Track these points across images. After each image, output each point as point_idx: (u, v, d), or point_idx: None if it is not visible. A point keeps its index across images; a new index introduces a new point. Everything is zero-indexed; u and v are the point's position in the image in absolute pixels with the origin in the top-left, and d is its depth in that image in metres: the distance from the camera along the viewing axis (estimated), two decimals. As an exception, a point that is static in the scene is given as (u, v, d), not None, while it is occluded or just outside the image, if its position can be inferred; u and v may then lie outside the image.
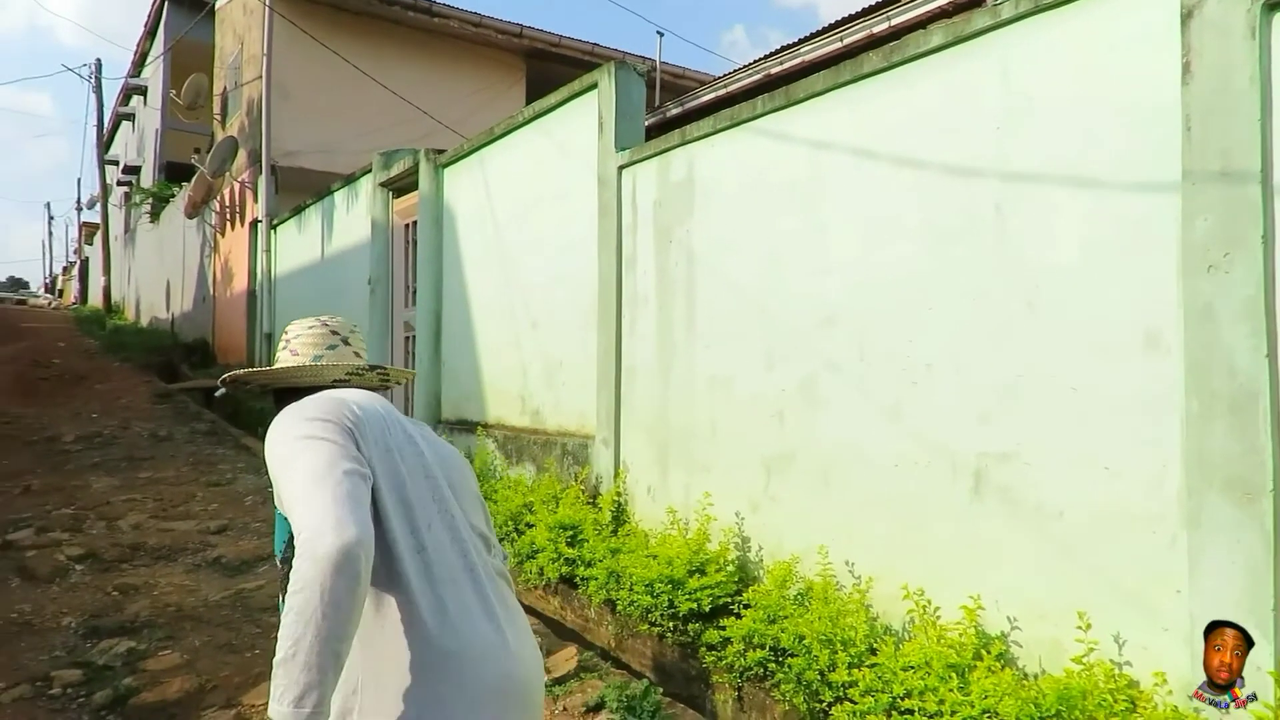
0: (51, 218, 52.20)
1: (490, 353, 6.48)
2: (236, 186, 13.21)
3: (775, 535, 3.92)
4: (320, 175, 11.08)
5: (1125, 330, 2.66)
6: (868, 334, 3.51)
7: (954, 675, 2.70)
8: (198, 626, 4.13)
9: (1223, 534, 2.37)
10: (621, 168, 5.02)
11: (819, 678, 3.01)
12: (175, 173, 18.26)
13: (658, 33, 12.79)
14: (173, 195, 18.05)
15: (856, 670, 2.91)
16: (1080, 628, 2.57)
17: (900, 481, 3.32)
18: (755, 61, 8.66)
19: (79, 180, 40.58)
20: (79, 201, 35.76)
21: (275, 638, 1.29)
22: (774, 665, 3.23)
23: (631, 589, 3.94)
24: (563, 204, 5.59)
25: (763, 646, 3.28)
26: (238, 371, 1.84)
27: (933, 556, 3.18)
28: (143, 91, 21.52)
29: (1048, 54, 2.92)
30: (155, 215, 19.96)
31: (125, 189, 23.79)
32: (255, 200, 12.26)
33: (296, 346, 1.80)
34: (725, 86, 8.61)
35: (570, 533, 4.64)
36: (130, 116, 24.21)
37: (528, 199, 6.03)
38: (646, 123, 5.55)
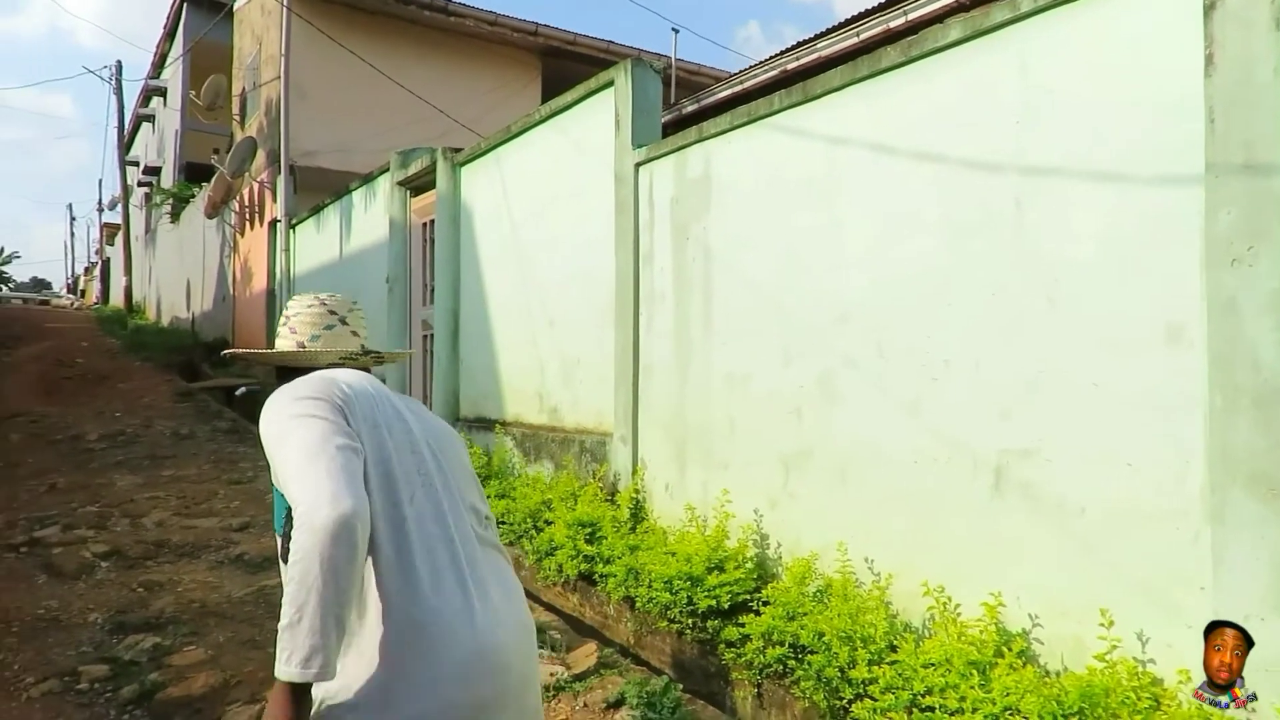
0: (73, 219, 52.86)
1: (508, 351, 6.50)
2: (255, 186, 13.32)
3: (794, 532, 3.91)
4: (338, 175, 11.16)
5: (1147, 325, 2.64)
6: (886, 330, 3.50)
7: (975, 672, 2.69)
8: (221, 623, 4.18)
9: (1247, 530, 2.35)
10: (638, 165, 5.02)
11: (839, 675, 3.01)
12: (195, 173, 18.43)
13: (673, 29, 12.74)
14: (193, 196, 18.21)
15: (877, 667, 2.91)
16: (1103, 625, 2.55)
17: (920, 478, 3.31)
18: (771, 58, 8.63)
19: (100, 181, 41.02)
20: (100, 202, 36.17)
21: None
22: (793, 662, 3.23)
23: (650, 586, 3.95)
24: (580, 201, 5.60)
25: (782, 643, 3.28)
26: (238, 350, 1.91)
27: (953, 553, 3.17)
28: (162, 93, 21.72)
29: (1067, 47, 2.90)
30: (175, 215, 20.15)
31: (146, 190, 24.06)
32: (274, 200, 12.35)
33: (296, 325, 1.85)
34: (741, 83, 8.59)
35: (589, 530, 4.66)
36: (150, 118, 24.46)
37: (544, 197, 6.05)
38: (663, 120, 5.55)
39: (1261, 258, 2.35)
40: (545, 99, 10.04)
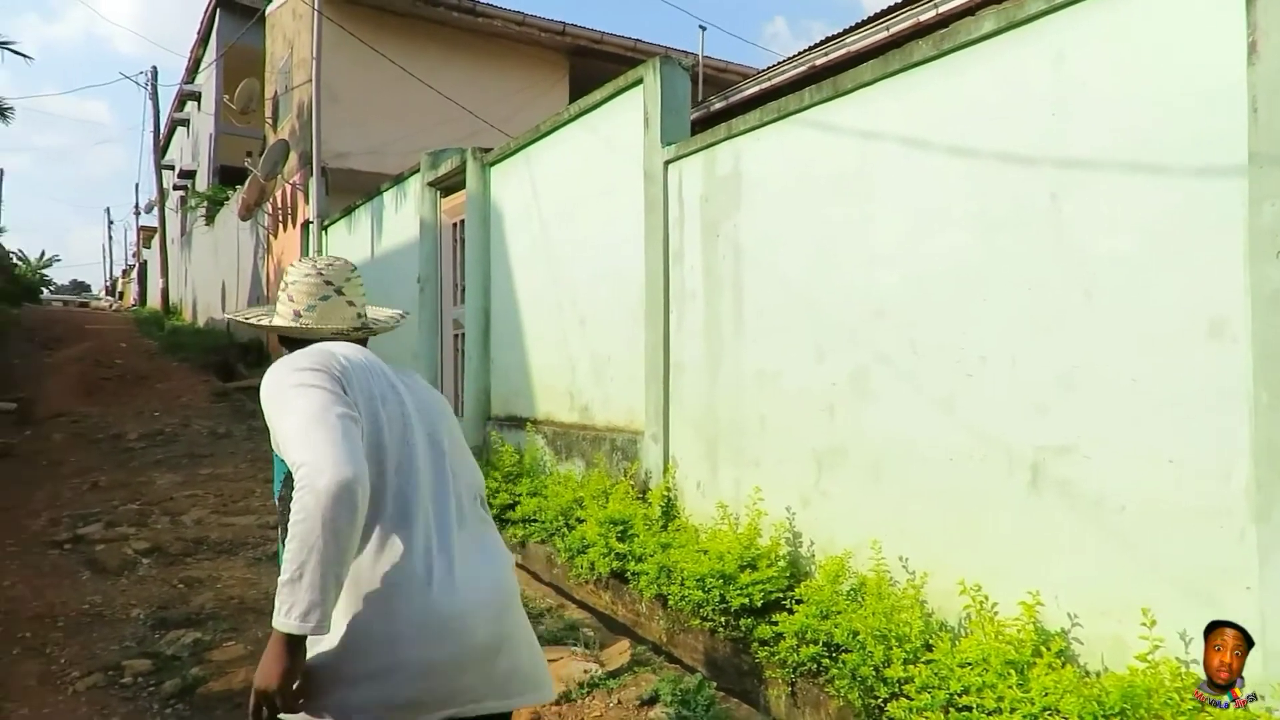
0: (111, 222, 53.76)
1: (538, 349, 6.53)
2: (288, 188, 13.49)
3: (827, 530, 3.89)
4: (369, 176, 11.26)
5: (1188, 319, 2.59)
6: (919, 326, 3.47)
7: (1013, 672, 2.66)
8: (260, 619, 4.24)
9: (1295, 528, 2.30)
10: (667, 162, 5.02)
11: (874, 674, 2.99)
12: (229, 176, 18.71)
13: (700, 27, 12.73)
14: (227, 198, 18.48)
15: (912, 666, 2.89)
16: (1144, 624, 2.51)
17: (955, 475, 3.28)
18: (800, 53, 8.58)
19: (137, 185, 41.85)
20: (137, 206, 36.85)
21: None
22: (828, 661, 3.21)
23: (683, 584, 3.95)
24: (609, 200, 5.60)
25: (816, 642, 3.27)
26: (238, 316, 1.94)
27: (989, 551, 3.13)
28: (197, 97, 22.07)
29: (1104, 37, 2.85)
30: (210, 218, 20.46)
31: (181, 193, 24.46)
32: (306, 202, 12.50)
33: (293, 293, 1.88)
34: (769, 79, 8.55)
35: (620, 528, 4.67)
36: (185, 122, 24.86)
37: (574, 195, 6.06)
38: (691, 117, 5.54)
39: (1308, 250, 2.30)
40: (573, 98, 10.06)
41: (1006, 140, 3.15)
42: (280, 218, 14.25)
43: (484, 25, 12.72)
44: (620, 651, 3.56)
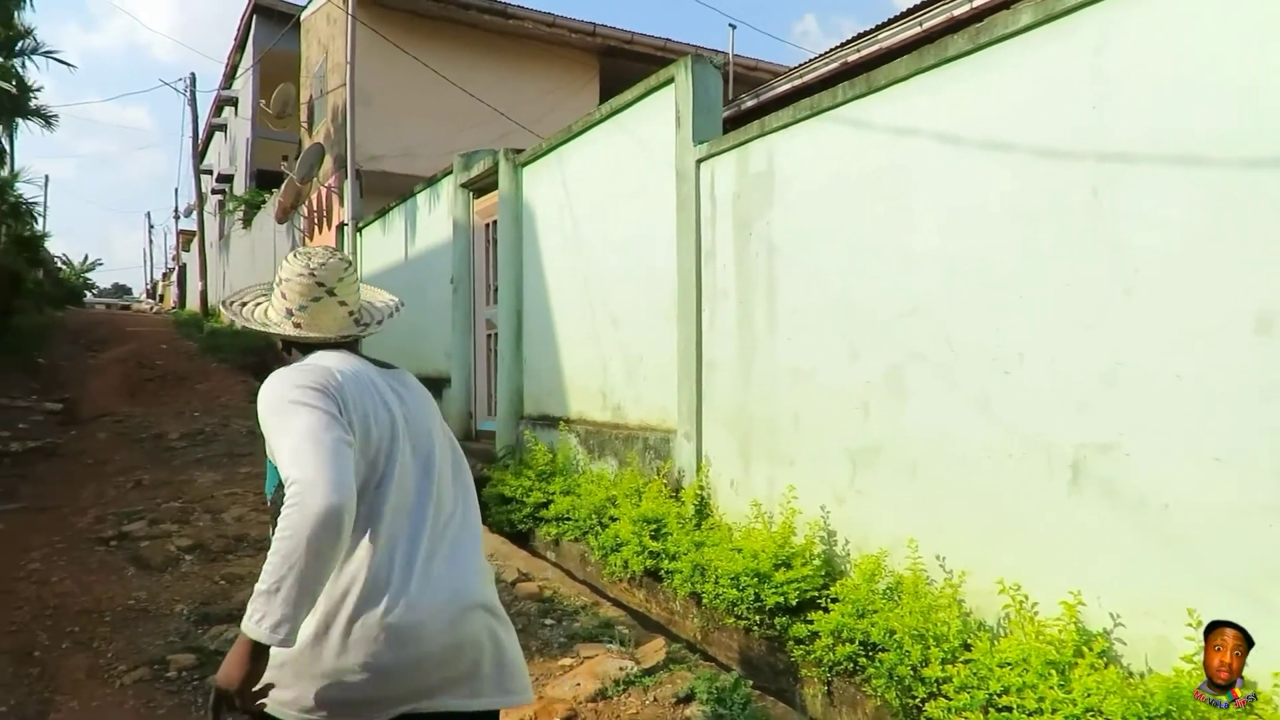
0: (151, 226, 54.85)
1: (571, 348, 6.56)
2: (323, 191, 13.67)
3: (862, 529, 3.87)
4: (402, 178, 11.37)
5: (1234, 313, 2.54)
6: (955, 323, 3.43)
7: (1054, 672, 2.63)
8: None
9: (1347, 527, 2.24)
10: (699, 161, 5.02)
11: (911, 673, 2.97)
12: (265, 180, 19.00)
13: (730, 25, 12.70)
14: (264, 202, 18.77)
15: (951, 666, 2.86)
16: (1190, 625, 2.46)
17: (993, 473, 3.25)
18: (831, 50, 8.52)
19: (176, 190, 42.64)
20: (176, 210, 37.52)
21: None
22: (864, 660, 3.20)
23: (717, 582, 3.95)
24: (641, 199, 5.61)
25: (852, 641, 3.25)
26: (235, 312, 1.92)
27: (1029, 551, 3.09)
28: (234, 102, 22.43)
29: (1146, 27, 2.81)
30: (248, 221, 20.79)
31: (219, 197, 24.89)
32: (341, 204, 12.67)
33: (286, 290, 1.84)
34: (801, 76, 8.50)
35: (654, 526, 4.67)
36: (222, 127, 25.26)
37: (606, 195, 6.08)
38: (722, 116, 5.53)
39: (1360, 242, 2.25)
40: (603, 99, 10.09)
41: (1045, 134, 3.11)
42: (316, 220, 14.44)
43: (514, 27, 12.79)
44: (655, 649, 3.57)
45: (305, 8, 15.53)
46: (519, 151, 7.51)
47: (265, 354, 15.12)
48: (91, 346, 15.94)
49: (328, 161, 13.43)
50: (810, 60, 8.87)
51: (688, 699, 3.14)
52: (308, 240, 15.10)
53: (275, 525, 1.48)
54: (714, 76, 5.22)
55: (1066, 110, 3.04)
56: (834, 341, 4.04)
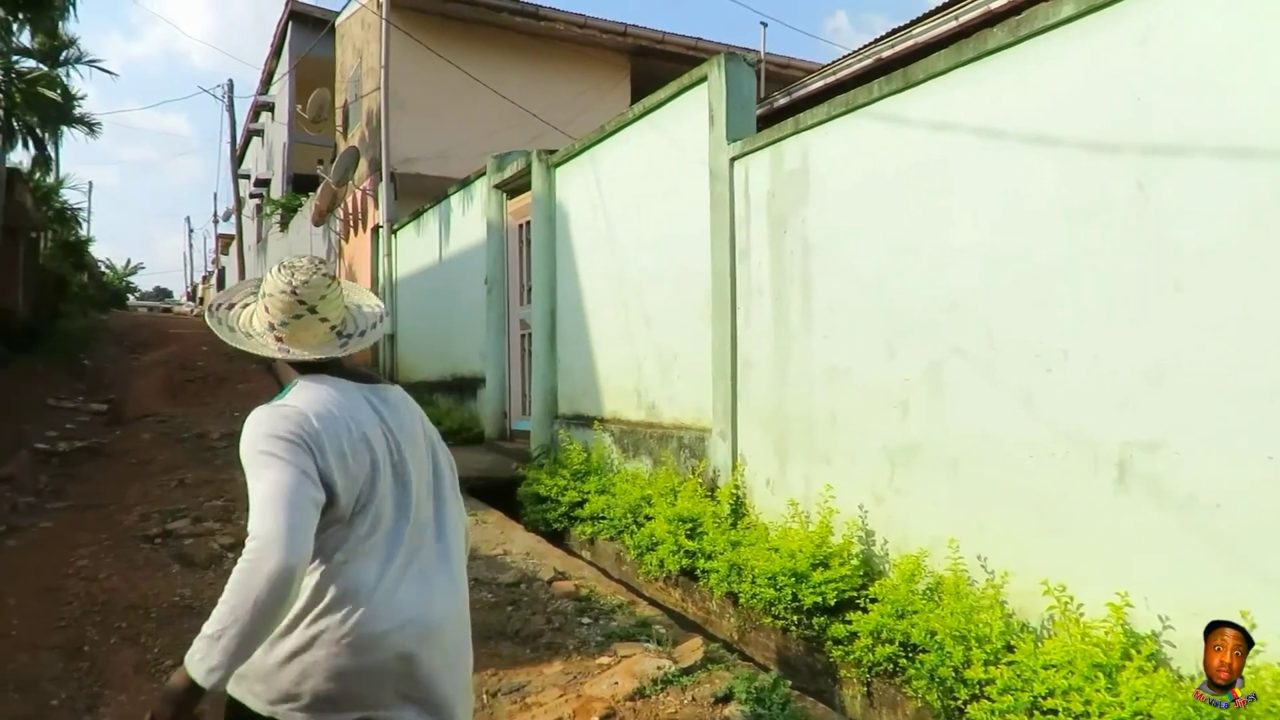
0: (191, 230, 56.16)
1: (604, 348, 6.57)
2: (359, 194, 13.83)
3: (901, 528, 3.83)
4: (436, 180, 11.47)
5: (1288, 309, 2.47)
6: (996, 320, 3.38)
7: (1100, 675, 2.58)
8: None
9: None
10: (733, 159, 5.00)
11: (953, 674, 2.93)
12: (302, 184, 19.26)
13: (761, 23, 12.68)
14: (300, 205, 19.01)
15: (994, 668, 2.82)
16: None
17: (1036, 472, 3.20)
18: (865, 46, 8.45)
19: (215, 194, 43.39)
20: (215, 214, 38.15)
21: None
22: (904, 661, 3.16)
23: (754, 582, 3.93)
24: (674, 198, 5.61)
25: (892, 641, 3.22)
26: (221, 317, 1.90)
27: (1073, 551, 3.04)
28: (270, 108, 22.78)
29: (1192, 16, 2.75)
30: (285, 225, 21.09)
31: (257, 201, 25.27)
32: (376, 207, 12.80)
33: (269, 304, 1.82)
34: (834, 73, 8.44)
35: (689, 525, 4.66)
36: (260, 132, 25.68)
37: (638, 194, 6.08)
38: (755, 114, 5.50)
39: None
40: (634, 99, 10.10)
41: (1089, 128, 3.06)
42: (351, 223, 14.62)
43: (546, 29, 12.84)
44: (693, 648, 3.56)
45: (340, 13, 15.73)
46: (551, 152, 7.54)
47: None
48: (134, 348, 16.25)
49: (363, 165, 13.58)
50: (843, 57, 8.80)
51: (726, 698, 3.12)
52: (344, 243, 15.30)
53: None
54: (747, 74, 5.20)
55: (1110, 103, 2.99)
56: (871, 339, 4.01)
